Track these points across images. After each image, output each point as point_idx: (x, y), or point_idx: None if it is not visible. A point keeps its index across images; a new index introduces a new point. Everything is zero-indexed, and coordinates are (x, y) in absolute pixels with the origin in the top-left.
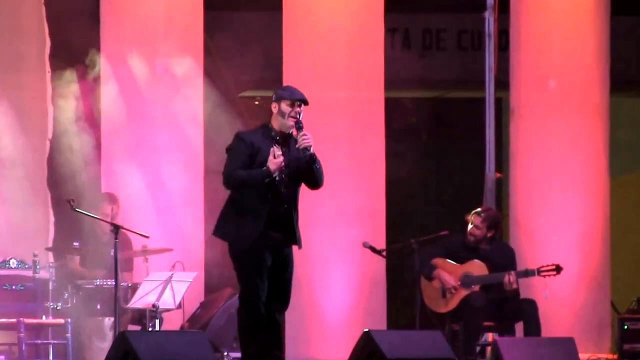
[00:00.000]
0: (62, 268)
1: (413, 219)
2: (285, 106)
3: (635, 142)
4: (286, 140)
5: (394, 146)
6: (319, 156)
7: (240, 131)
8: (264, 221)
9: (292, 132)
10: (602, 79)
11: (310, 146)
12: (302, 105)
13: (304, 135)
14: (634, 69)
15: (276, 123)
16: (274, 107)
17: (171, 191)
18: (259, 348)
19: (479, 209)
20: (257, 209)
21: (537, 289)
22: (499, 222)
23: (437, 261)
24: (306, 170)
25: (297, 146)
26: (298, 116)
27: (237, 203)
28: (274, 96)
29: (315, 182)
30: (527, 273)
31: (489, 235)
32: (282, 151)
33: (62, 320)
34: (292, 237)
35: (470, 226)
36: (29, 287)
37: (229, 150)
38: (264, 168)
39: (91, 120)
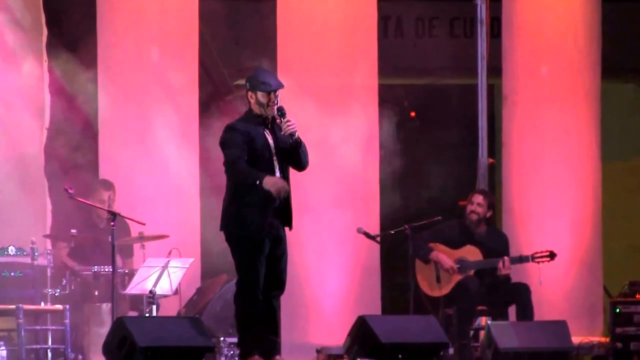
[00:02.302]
0: (58, 256)
1: (407, 204)
2: (261, 97)
3: (627, 128)
4: (272, 123)
5: (388, 133)
6: (314, 143)
7: (231, 123)
8: (270, 214)
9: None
10: (594, 65)
11: (295, 132)
12: (278, 90)
13: (288, 121)
14: (625, 55)
15: (257, 109)
16: (251, 97)
17: (167, 178)
18: (255, 334)
19: (477, 189)
20: (262, 203)
21: (530, 275)
22: (495, 203)
23: (432, 246)
24: (292, 153)
25: (282, 133)
26: (277, 102)
27: (240, 198)
28: (247, 85)
29: (300, 163)
30: (522, 259)
31: (488, 215)
32: (271, 135)
33: (60, 307)
34: (287, 219)
35: (472, 205)
36: (28, 274)
37: (224, 143)
38: (265, 178)
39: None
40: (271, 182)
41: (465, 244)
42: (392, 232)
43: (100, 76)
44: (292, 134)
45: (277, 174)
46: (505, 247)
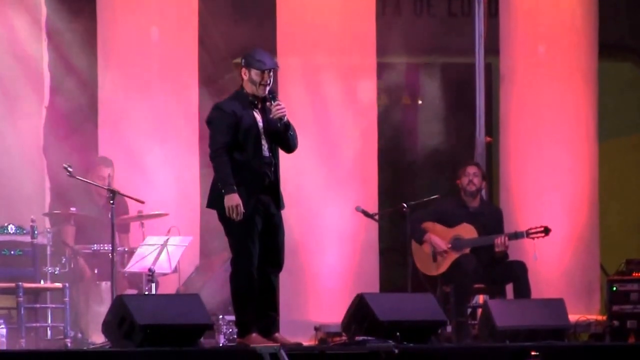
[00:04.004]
0: (58, 234)
1: (404, 183)
2: (255, 75)
3: (623, 106)
4: (262, 104)
5: (385, 111)
6: (312, 121)
7: (218, 102)
8: (257, 191)
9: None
10: (590, 44)
11: (284, 115)
12: (272, 70)
13: (278, 105)
14: (622, 34)
15: (249, 88)
16: (244, 74)
17: (167, 156)
18: (252, 311)
19: (468, 162)
20: (248, 181)
21: (526, 251)
22: (486, 175)
23: (428, 225)
24: (281, 136)
25: (271, 116)
26: (269, 82)
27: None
28: (242, 61)
29: (289, 146)
30: (516, 235)
31: (482, 186)
32: (260, 116)
33: (60, 285)
34: (277, 198)
35: (468, 176)
36: (27, 252)
37: (210, 122)
38: (231, 193)
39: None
40: (229, 202)
41: (461, 221)
42: (390, 210)
43: (100, 55)
44: (281, 118)
45: (266, 154)
46: (499, 222)
